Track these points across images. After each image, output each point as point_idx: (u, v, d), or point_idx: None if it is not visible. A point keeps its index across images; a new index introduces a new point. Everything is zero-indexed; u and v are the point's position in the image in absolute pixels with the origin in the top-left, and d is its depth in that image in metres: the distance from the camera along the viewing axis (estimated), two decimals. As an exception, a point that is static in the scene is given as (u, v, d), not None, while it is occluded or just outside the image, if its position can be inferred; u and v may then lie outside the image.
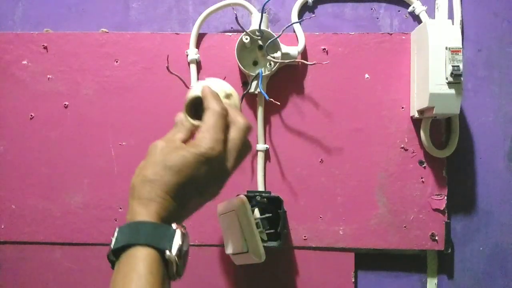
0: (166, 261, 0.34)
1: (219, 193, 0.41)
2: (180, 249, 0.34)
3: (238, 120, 0.40)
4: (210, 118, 0.39)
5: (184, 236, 0.35)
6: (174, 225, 0.36)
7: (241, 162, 0.41)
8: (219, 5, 0.64)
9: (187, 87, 0.62)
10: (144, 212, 0.35)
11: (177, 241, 0.34)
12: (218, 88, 0.43)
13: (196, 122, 0.41)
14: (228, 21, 0.68)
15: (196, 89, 0.43)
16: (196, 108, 0.43)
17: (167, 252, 0.34)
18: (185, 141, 0.41)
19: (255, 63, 0.64)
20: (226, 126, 0.40)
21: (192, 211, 0.40)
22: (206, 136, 0.38)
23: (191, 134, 0.42)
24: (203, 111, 0.40)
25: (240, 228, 0.55)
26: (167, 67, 0.59)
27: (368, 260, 0.65)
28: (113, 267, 0.35)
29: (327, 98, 0.65)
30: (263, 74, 0.60)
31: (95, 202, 0.65)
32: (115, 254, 0.35)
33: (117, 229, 0.36)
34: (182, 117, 0.43)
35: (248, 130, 0.41)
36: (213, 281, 0.65)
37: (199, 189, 0.38)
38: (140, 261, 0.33)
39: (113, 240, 0.35)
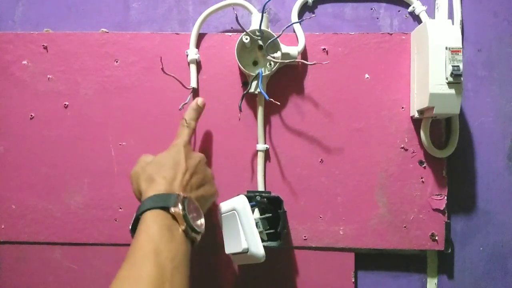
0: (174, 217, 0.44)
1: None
2: (184, 206, 0.44)
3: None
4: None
5: (185, 199, 0.46)
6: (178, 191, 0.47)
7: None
8: (219, 5, 0.64)
9: (185, 87, 0.62)
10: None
11: (179, 200, 0.45)
12: None
13: None
14: (228, 21, 0.68)
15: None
16: None
17: (172, 209, 0.44)
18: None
19: (255, 63, 0.64)
20: None
21: None
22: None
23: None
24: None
25: (240, 228, 0.55)
26: (162, 69, 0.58)
27: (368, 260, 0.65)
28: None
29: (327, 98, 0.65)
30: (263, 74, 0.60)
31: (95, 202, 0.65)
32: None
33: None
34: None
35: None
36: (213, 281, 0.65)
37: None
38: (147, 220, 0.43)
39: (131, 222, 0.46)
